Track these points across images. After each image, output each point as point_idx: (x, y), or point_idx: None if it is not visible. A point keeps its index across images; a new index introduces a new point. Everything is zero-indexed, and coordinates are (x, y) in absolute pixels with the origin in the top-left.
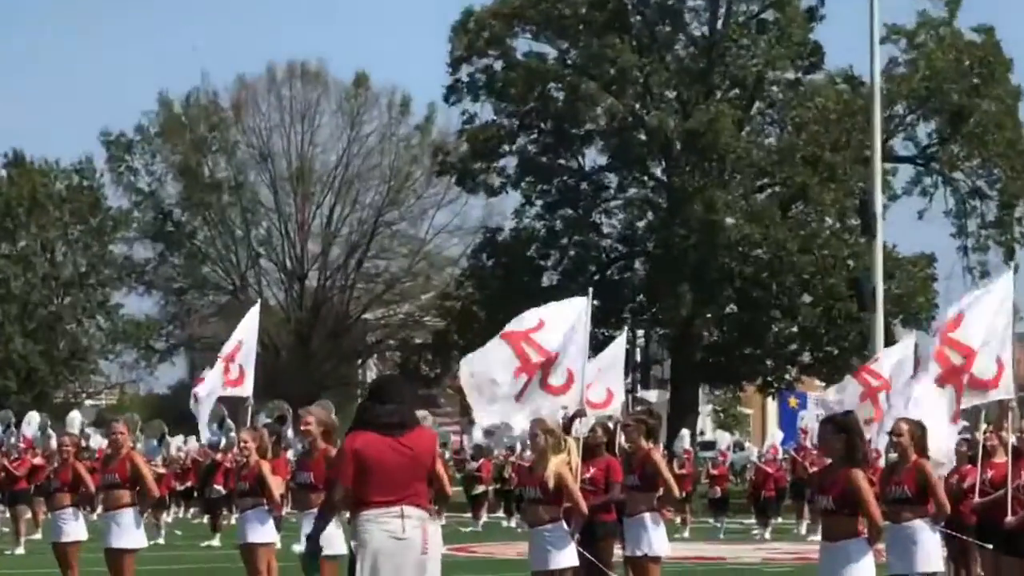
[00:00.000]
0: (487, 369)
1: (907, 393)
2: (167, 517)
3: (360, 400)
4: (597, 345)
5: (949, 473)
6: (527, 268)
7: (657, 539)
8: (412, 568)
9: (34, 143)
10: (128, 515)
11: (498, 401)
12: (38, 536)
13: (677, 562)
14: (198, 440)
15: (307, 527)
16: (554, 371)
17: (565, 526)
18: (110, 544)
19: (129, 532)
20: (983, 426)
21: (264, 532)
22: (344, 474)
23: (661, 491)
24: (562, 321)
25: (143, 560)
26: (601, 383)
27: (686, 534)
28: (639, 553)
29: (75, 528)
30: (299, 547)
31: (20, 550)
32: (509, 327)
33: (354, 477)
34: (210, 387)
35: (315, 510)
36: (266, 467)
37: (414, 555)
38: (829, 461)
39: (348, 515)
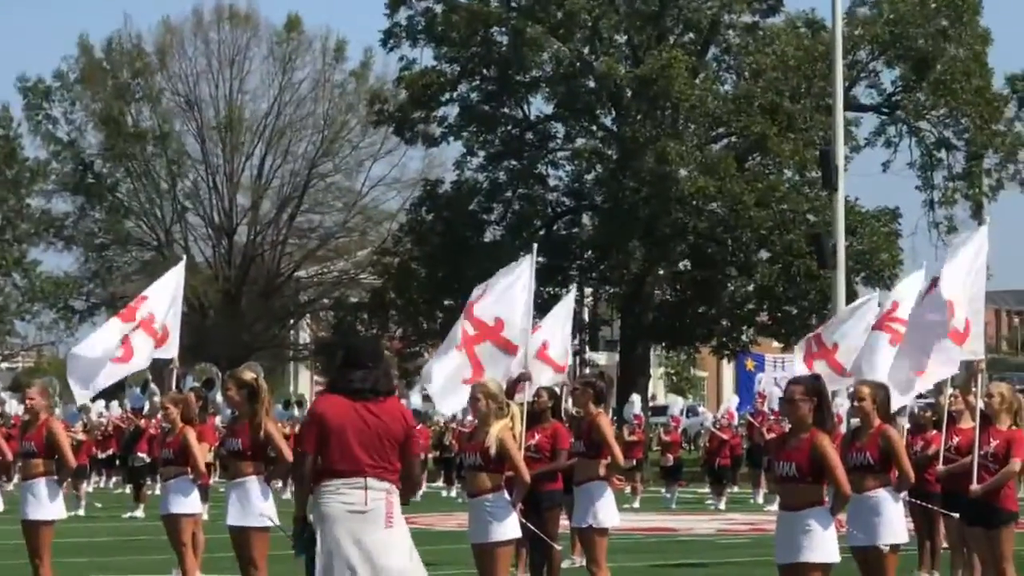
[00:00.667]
0: (446, 360)
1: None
2: (87, 487)
3: (337, 359)
4: (543, 304)
5: (913, 439)
6: (469, 223)
7: (605, 510)
8: (375, 543)
9: None
10: (45, 485)
11: (455, 384)
12: None
13: (626, 533)
14: (121, 406)
15: (235, 497)
16: (508, 332)
17: (507, 495)
18: (27, 516)
19: (46, 503)
20: (948, 390)
21: (188, 503)
22: (308, 441)
23: (609, 459)
24: (506, 287)
25: (62, 532)
26: (561, 343)
27: (636, 504)
28: (586, 524)
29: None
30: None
31: None
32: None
33: (317, 443)
34: (98, 349)
35: (244, 479)
36: (191, 434)
37: (377, 529)
38: (788, 426)
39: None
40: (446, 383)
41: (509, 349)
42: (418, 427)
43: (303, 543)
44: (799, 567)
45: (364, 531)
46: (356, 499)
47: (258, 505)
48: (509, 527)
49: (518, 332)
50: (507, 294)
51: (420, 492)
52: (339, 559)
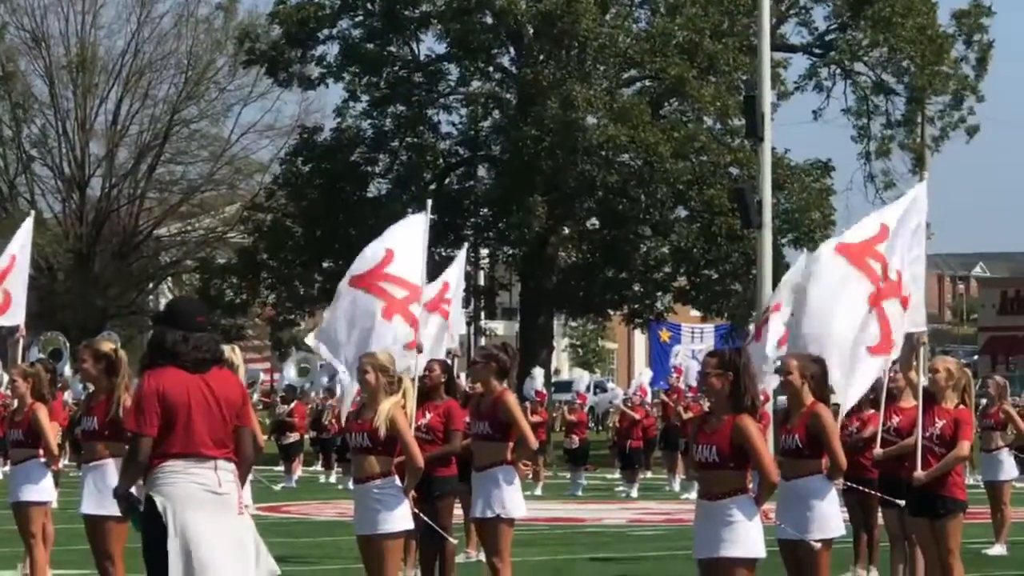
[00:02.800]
0: (344, 328)
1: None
2: None
3: (153, 330)
4: (434, 267)
5: (848, 419)
6: (351, 175)
7: (511, 498)
8: (232, 527)
9: None
10: None
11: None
12: None
13: (529, 524)
14: None
15: (91, 482)
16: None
17: (398, 482)
18: None
19: None
20: (887, 365)
21: (40, 489)
22: (149, 423)
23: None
24: (411, 244)
25: None
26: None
27: (539, 491)
28: (490, 514)
29: None
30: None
31: None
32: (353, 271)
33: (155, 423)
34: None
35: (101, 462)
36: (43, 412)
37: (232, 514)
38: (708, 405)
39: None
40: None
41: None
42: (293, 404)
43: (137, 520)
44: (720, 562)
45: (220, 515)
46: (209, 480)
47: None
48: (400, 517)
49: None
50: (413, 254)
51: (295, 477)
52: (197, 544)
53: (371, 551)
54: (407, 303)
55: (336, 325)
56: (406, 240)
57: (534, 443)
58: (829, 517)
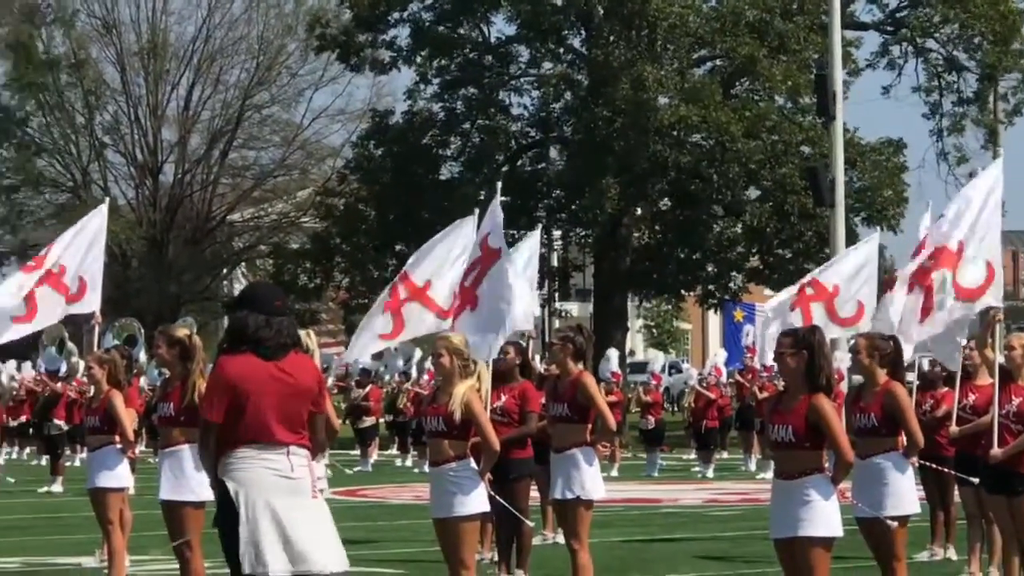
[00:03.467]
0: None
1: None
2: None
3: (230, 313)
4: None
5: (922, 396)
6: (423, 158)
7: (591, 480)
8: (305, 511)
9: None
10: None
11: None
12: None
13: (605, 505)
14: (34, 367)
15: (168, 468)
16: (435, 292)
17: (473, 464)
18: None
19: None
20: (962, 342)
21: (117, 475)
22: (216, 408)
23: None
24: (440, 246)
25: None
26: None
27: (615, 472)
28: (570, 496)
29: None
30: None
31: None
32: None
33: (227, 412)
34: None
35: (177, 448)
36: (119, 398)
37: (305, 498)
38: (783, 384)
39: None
40: (361, 333)
41: (432, 308)
42: (368, 388)
43: (218, 514)
44: (797, 542)
45: (292, 500)
46: (282, 465)
47: (193, 477)
48: (476, 500)
49: (447, 294)
50: (447, 253)
51: (371, 460)
52: (268, 529)
53: (448, 534)
54: (406, 300)
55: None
56: (438, 242)
57: (613, 424)
58: (905, 495)
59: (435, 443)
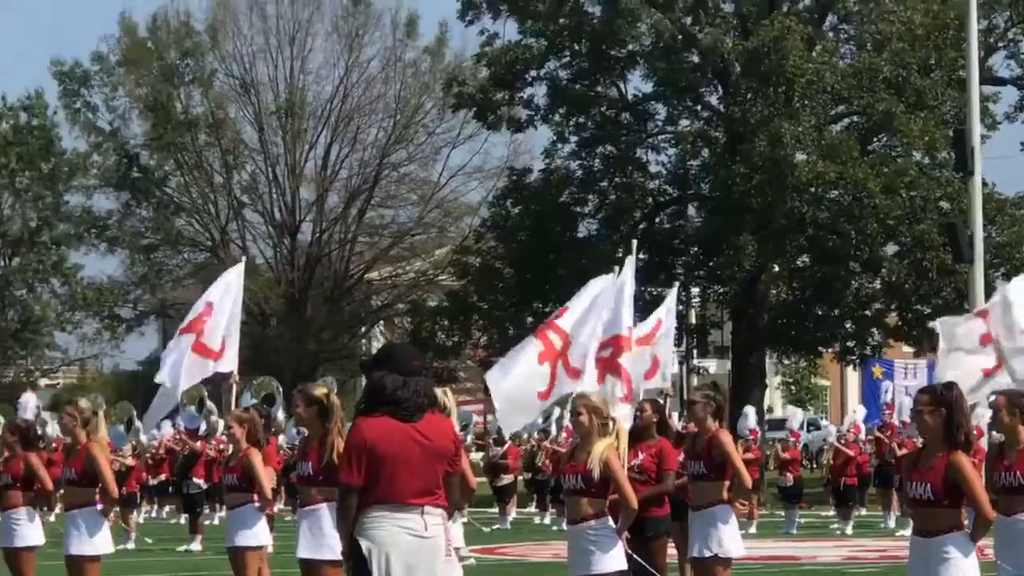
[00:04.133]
0: (517, 369)
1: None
2: (137, 517)
3: (367, 373)
4: (644, 306)
5: None
6: (560, 216)
7: (728, 537)
8: (435, 572)
9: None
10: (89, 516)
11: (526, 402)
12: None
13: (744, 563)
14: (174, 426)
15: (306, 527)
16: (572, 352)
17: (611, 523)
18: (69, 550)
19: (90, 536)
20: None
21: (255, 534)
22: (355, 471)
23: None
24: (586, 297)
25: (109, 568)
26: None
27: (753, 529)
28: (707, 554)
29: (29, 532)
30: None
31: None
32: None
33: (366, 474)
34: (176, 370)
35: (316, 507)
36: (257, 457)
37: (438, 558)
38: (921, 441)
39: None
40: (513, 395)
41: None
42: (507, 446)
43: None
44: None
45: (424, 558)
46: (415, 524)
47: (331, 535)
48: (615, 558)
49: (582, 351)
50: (590, 311)
51: (510, 518)
52: None
53: None
54: (559, 353)
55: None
56: (585, 294)
57: (749, 482)
58: None
59: (573, 501)
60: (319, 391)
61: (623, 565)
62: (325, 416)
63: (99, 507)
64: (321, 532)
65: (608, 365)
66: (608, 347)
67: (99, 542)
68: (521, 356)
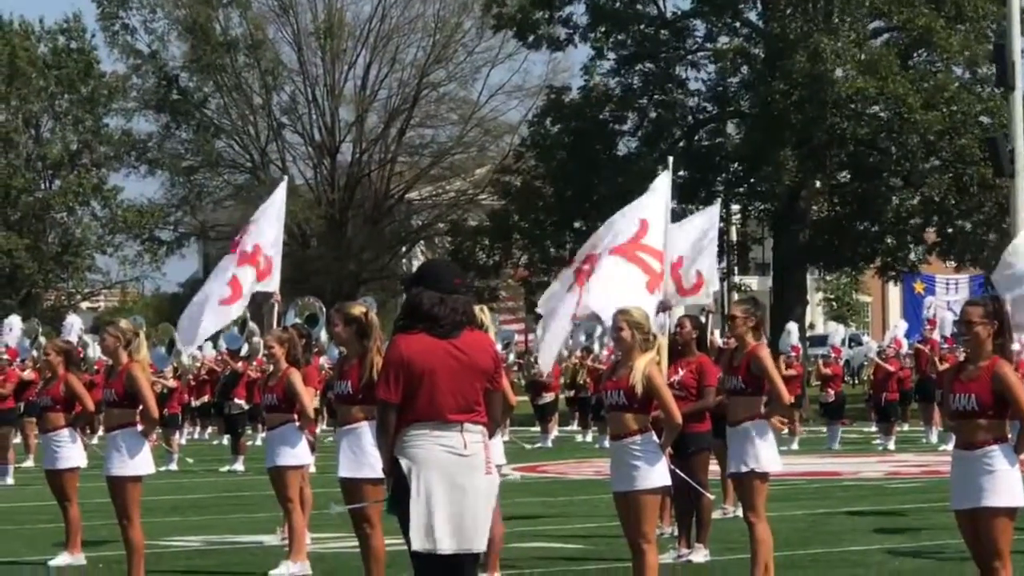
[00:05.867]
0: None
1: None
2: (180, 439)
3: (406, 296)
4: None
5: None
6: (600, 134)
7: (765, 452)
8: (476, 489)
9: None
10: (130, 438)
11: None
12: (30, 463)
13: (784, 479)
14: (215, 347)
15: (346, 446)
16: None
17: (655, 438)
18: (110, 472)
19: (132, 457)
20: None
21: (296, 453)
22: (392, 389)
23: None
24: (659, 211)
25: (151, 489)
26: (692, 266)
27: (795, 445)
28: (744, 469)
29: (71, 453)
30: (337, 508)
31: (9, 480)
32: (607, 242)
33: (403, 391)
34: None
35: (355, 426)
36: (298, 377)
37: (478, 475)
38: (964, 354)
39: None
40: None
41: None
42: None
43: (393, 499)
44: (980, 513)
45: (464, 476)
46: (455, 442)
47: (372, 454)
48: (658, 473)
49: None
50: (647, 216)
51: (551, 436)
52: (439, 505)
53: (628, 508)
54: (662, 276)
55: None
56: (655, 209)
57: (786, 398)
58: None
59: (616, 417)
60: (357, 309)
61: (667, 481)
62: (364, 334)
63: (140, 428)
64: (361, 451)
65: (659, 281)
66: (659, 262)
67: (140, 463)
68: (622, 287)
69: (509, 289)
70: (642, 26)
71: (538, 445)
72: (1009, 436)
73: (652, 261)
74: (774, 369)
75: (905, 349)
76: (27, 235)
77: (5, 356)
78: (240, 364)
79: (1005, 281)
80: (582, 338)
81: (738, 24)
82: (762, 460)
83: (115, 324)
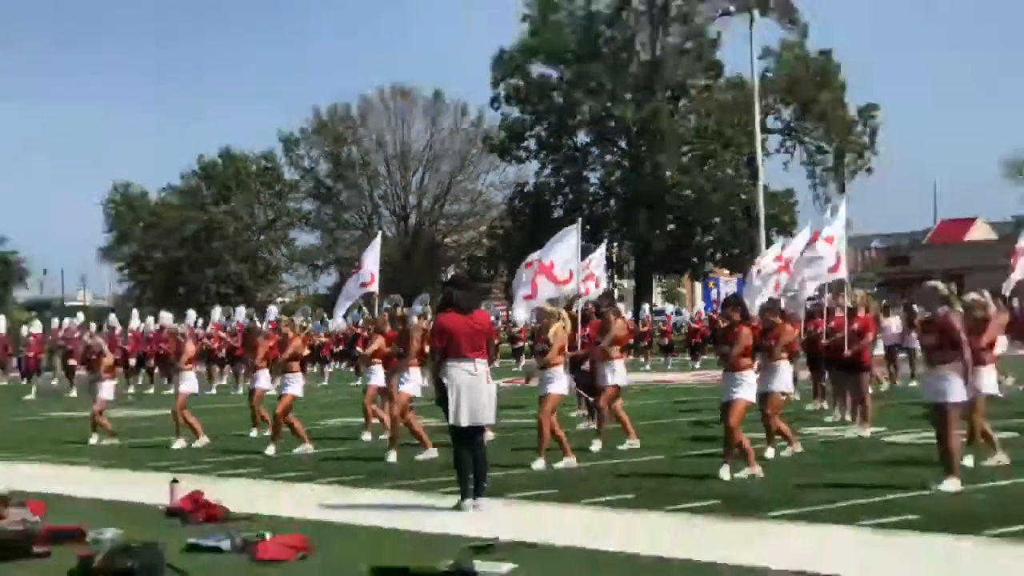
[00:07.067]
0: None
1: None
2: (329, 368)
3: (443, 293)
4: (587, 251)
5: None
6: (544, 208)
7: (617, 372)
8: (480, 392)
9: (237, 138)
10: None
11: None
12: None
13: (642, 384)
14: (344, 319)
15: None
16: (557, 272)
17: (561, 370)
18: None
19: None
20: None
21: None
22: (438, 340)
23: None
24: (556, 242)
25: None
26: (565, 266)
27: (648, 367)
28: (608, 385)
29: (265, 382)
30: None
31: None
32: (543, 259)
33: (443, 343)
34: (349, 289)
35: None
36: (380, 340)
37: (483, 385)
38: (727, 322)
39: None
40: (518, 301)
41: (555, 282)
42: (520, 327)
43: (440, 399)
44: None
45: (474, 385)
46: (470, 368)
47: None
48: (558, 384)
49: (563, 271)
50: (560, 248)
51: (522, 364)
52: (463, 398)
53: (543, 402)
54: (540, 271)
55: None
56: (556, 241)
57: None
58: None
59: (541, 356)
60: (398, 312)
61: (565, 390)
62: (403, 322)
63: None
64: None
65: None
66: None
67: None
68: (522, 283)
69: (498, 289)
70: (565, 151)
71: (514, 369)
72: (750, 363)
73: (559, 276)
74: (615, 331)
75: (703, 316)
76: (247, 264)
77: (237, 327)
78: (358, 329)
79: (753, 282)
80: (532, 317)
81: (615, 149)
82: (609, 379)
83: (288, 319)
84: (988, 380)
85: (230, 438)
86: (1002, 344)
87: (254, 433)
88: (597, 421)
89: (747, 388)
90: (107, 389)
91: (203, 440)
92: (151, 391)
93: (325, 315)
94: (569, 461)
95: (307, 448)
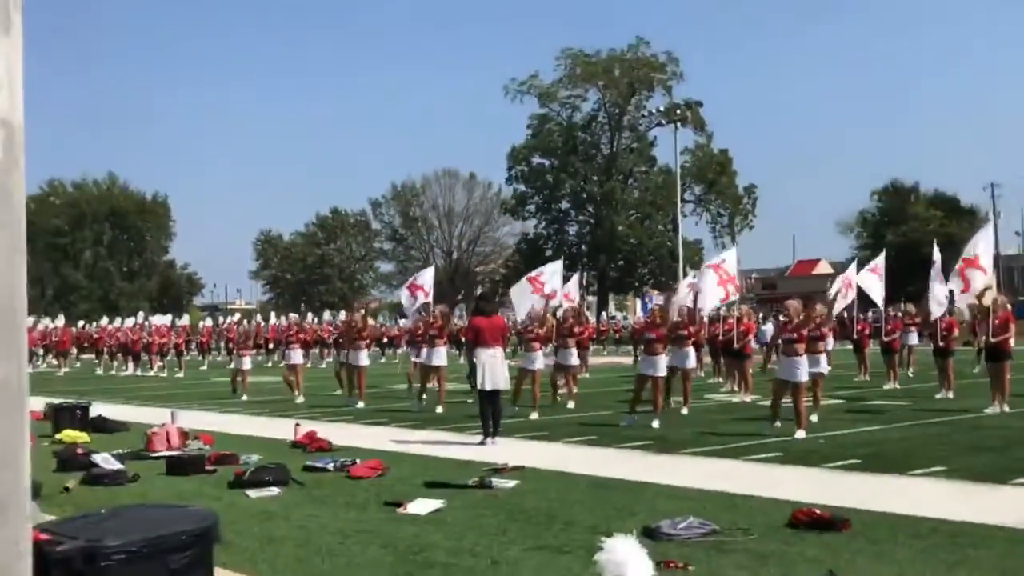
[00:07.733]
0: (520, 292)
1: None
2: (400, 351)
3: (474, 303)
4: (567, 278)
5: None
6: (540, 251)
7: (570, 356)
8: (497, 367)
9: (341, 200)
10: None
11: (523, 301)
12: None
13: (601, 365)
14: (406, 317)
15: (434, 358)
16: (547, 288)
17: (540, 354)
18: (358, 363)
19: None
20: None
21: (439, 356)
22: (470, 333)
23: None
24: (547, 271)
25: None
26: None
27: (605, 353)
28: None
29: (363, 358)
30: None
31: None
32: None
33: (474, 336)
34: (410, 299)
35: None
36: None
37: (499, 363)
38: (647, 320)
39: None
40: (520, 303)
41: (543, 295)
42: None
43: (471, 372)
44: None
45: (495, 362)
46: (493, 352)
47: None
48: (536, 361)
49: (550, 288)
50: (549, 273)
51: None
52: (488, 371)
53: (522, 377)
54: (537, 290)
55: None
56: (546, 269)
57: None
58: None
59: (528, 342)
60: (440, 311)
61: (540, 365)
62: (445, 319)
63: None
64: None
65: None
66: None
67: (363, 360)
68: (524, 292)
69: (507, 304)
70: (554, 213)
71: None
72: (663, 349)
73: (547, 292)
74: (561, 328)
75: (643, 319)
76: (348, 283)
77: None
78: (421, 326)
79: (681, 294)
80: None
81: (586, 212)
82: (572, 361)
83: (362, 314)
84: (822, 364)
85: (333, 396)
86: (830, 343)
87: (348, 396)
88: (567, 389)
89: (661, 367)
90: (246, 361)
91: (301, 399)
92: (282, 365)
93: (398, 316)
94: (534, 414)
95: (360, 404)
